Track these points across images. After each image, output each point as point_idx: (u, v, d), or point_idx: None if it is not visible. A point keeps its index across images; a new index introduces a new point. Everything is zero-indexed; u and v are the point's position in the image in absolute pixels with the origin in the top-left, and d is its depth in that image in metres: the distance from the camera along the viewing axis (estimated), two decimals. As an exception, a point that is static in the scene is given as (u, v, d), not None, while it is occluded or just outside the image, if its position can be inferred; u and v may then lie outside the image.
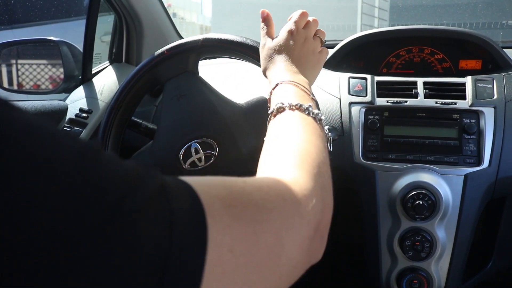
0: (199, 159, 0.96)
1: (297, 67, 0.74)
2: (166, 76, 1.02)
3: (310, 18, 0.85)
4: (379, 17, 6.59)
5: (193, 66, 1.02)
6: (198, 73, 1.02)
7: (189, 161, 0.96)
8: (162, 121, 1.01)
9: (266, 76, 0.78)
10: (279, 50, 0.77)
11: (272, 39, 0.81)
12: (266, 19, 0.84)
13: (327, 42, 1.49)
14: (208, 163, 0.95)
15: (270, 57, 0.78)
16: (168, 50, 1.01)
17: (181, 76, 1.01)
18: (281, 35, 0.80)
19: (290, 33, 0.80)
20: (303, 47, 0.79)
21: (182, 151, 0.97)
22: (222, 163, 0.94)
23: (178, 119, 0.99)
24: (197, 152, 0.96)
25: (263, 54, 0.81)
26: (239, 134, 0.94)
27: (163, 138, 1.00)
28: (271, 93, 0.68)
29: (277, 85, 0.67)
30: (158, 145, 1.01)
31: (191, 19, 11.16)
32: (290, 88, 0.65)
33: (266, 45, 0.81)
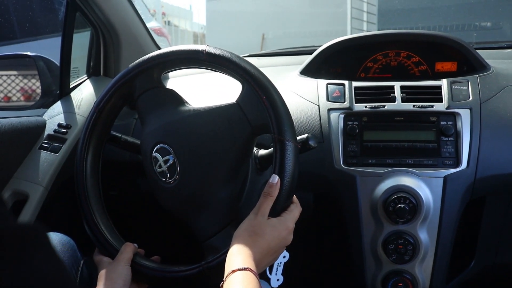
0: (160, 166, 0.95)
1: (265, 255, 0.79)
2: (138, 91, 1.02)
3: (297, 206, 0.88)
4: (367, 21, 6.67)
5: (158, 80, 1.01)
6: (164, 86, 1.02)
7: (158, 170, 0.96)
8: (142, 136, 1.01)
9: (233, 240, 0.80)
10: (263, 233, 0.80)
11: (267, 214, 0.82)
12: (274, 188, 0.83)
13: (312, 48, 1.50)
14: (167, 165, 0.95)
15: (251, 233, 0.80)
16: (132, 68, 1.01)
17: (150, 91, 1.00)
18: (278, 224, 0.82)
19: (286, 228, 0.82)
20: (283, 242, 0.83)
21: (154, 163, 0.97)
22: (182, 165, 0.94)
23: (149, 132, 0.99)
24: (157, 160, 0.96)
25: (250, 221, 0.82)
26: (194, 137, 0.94)
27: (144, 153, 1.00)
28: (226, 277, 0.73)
29: (241, 269, 0.72)
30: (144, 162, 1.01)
31: (185, 26, 11.30)
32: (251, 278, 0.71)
33: (258, 217, 0.81)
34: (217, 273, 0.84)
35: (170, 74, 1.05)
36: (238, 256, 0.75)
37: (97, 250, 1.00)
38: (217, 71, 0.94)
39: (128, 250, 0.95)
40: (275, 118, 0.83)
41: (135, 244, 0.99)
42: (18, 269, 0.33)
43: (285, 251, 0.90)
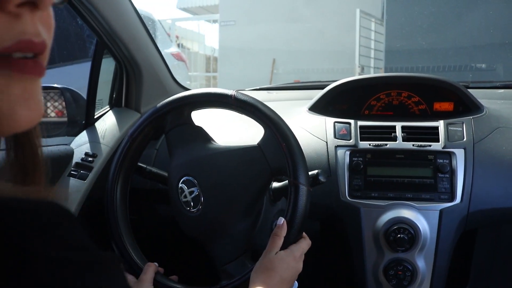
0: (185, 196, 1.06)
1: (281, 286, 0.89)
2: (169, 125, 1.13)
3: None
4: (375, 57, 6.87)
5: (188, 117, 1.13)
6: (193, 123, 1.13)
7: (183, 200, 1.07)
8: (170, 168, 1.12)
9: (251, 279, 0.90)
10: (274, 267, 0.90)
11: (278, 251, 0.93)
12: (281, 228, 0.94)
13: (319, 83, 1.61)
14: (192, 196, 1.05)
15: (264, 269, 0.90)
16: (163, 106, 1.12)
17: (180, 127, 1.12)
18: (285, 256, 0.92)
19: (293, 258, 0.93)
20: (293, 271, 0.93)
21: (179, 193, 1.07)
22: (205, 197, 1.04)
23: (177, 164, 1.10)
24: (183, 190, 1.06)
25: (261, 259, 0.92)
26: (218, 173, 1.05)
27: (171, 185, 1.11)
28: None
29: None
30: (170, 191, 1.11)
31: (198, 49, 11.51)
32: None
33: (268, 255, 0.92)
34: None
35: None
36: None
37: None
38: (242, 114, 1.06)
39: (151, 270, 1.05)
40: (292, 164, 0.95)
41: (156, 264, 1.08)
42: None
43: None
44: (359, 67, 6.48)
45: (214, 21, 9.35)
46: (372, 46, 6.89)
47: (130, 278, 1.05)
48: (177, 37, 10.11)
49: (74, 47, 3.47)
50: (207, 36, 12.03)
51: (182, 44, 10.47)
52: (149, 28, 1.63)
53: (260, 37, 7.55)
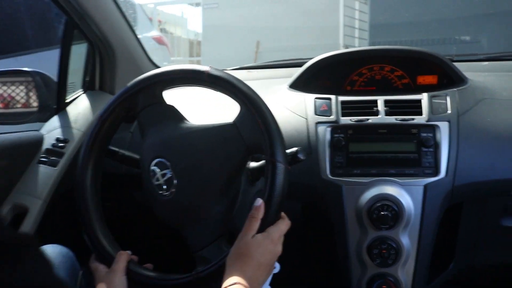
0: (157, 179, 1.01)
1: (256, 271, 0.85)
2: (140, 105, 1.07)
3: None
4: (359, 34, 6.82)
5: (160, 96, 1.07)
6: (165, 102, 1.08)
7: (156, 183, 1.01)
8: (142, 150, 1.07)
9: (226, 264, 0.86)
10: (250, 252, 0.85)
11: (254, 234, 0.88)
12: (258, 210, 0.89)
13: (300, 61, 1.56)
14: (165, 178, 1.00)
15: (239, 254, 0.86)
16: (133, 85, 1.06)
17: (152, 106, 1.06)
18: (262, 239, 0.87)
19: (271, 241, 0.88)
20: (271, 255, 0.88)
21: (152, 176, 1.02)
22: (178, 179, 0.99)
23: (149, 145, 1.05)
24: (155, 173, 1.01)
25: (236, 244, 0.88)
26: (191, 153, 1.00)
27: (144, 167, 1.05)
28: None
29: (230, 285, 0.80)
30: (142, 174, 1.06)
31: (180, 33, 11.36)
32: None
33: (244, 238, 0.87)
34: (207, 283, 0.91)
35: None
36: (230, 275, 0.82)
37: (93, 257, 1.04)
38: (217, 91, 1.00)
39: (122, 259, 0.99)
40: (268, 141, 0.90)
41: (129, 252, 1.03)
42: (11, 275, 0.36)
43: (276, 262, 0.96)
44: (343, 47, 6.42)
45: (197, 4, 9.22)
46: (356, 25, 6.84)
47: (101, 268, 1.00)
48: (159, 21, 9.96)
49: (51, 32, 3.37)
50: (190, 20, 11.88)
51: (165, 29, 10.33)
52: (129, 12, 1.57)
53: (243, 18, 7.45)
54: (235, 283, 0.79)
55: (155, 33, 5.30)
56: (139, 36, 1.67)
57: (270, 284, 1.03)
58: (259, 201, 0.89)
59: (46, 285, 0.37)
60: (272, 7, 7.26)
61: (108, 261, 1.01)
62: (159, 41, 5.08)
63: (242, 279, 0.80)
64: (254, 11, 7.36)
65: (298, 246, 1.36)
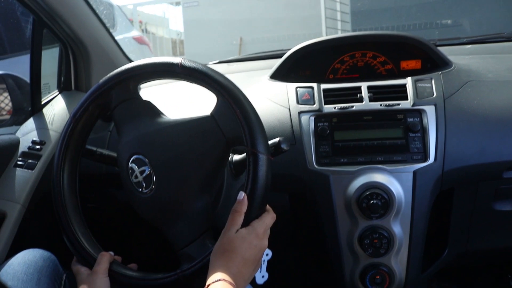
0: (136, 176, 0.97)
1: (242, 267, 0.81)
2: (115, 102, 1.03)
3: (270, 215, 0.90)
4: (341, 20, 6.78)
5: (134, 91, 1.03)
6: (140, 97, 1.03)
7: (134, 181, 0.97)
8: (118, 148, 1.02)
9: (210, 261, 0.82)
10: (234, 248, 0.81)
11: (238, 228, 0.84)
12: (241, 204, 0.85)
13: (281, 51, 1.53)
14: (143, 176, 0.96)
15: (223, 251, 0.82)
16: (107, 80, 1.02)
17: (126, 102, 1.02)
18: (246, 234, 0.83)
19: (256, 236, 0.84)
20: (256, 250, 0.84)
21: (130, 174, 0.98)
22: (157, 176, 0.95)
23: (125, 142, 1.00)
24: (133, 170, 0.97)
25: (220, 240, 0.84)
26: (169, 149, 0.95)
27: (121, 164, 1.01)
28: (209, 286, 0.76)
29: (215, 281, 0.76)
30: (120, 172, 1.02)
31: (162, 33, 11.27)
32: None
33: (227, 234, 0.83)
34: (193, 281, 0.87)
35: (147, 83, 1.07)
36: (214, 272, 0.78)
37: (75, 259, 1.01)
38: (192, 83, 0.96)
39: (104, 260, 0.96)
40: (248, 131, 0.86)
41: (111, 252, 1.00)
42: None
43: (267, 249, 0.92)
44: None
45: (177, 4, 9.13)
46: (338, 9, 6.82)
47: (83, 270, 0.96)
48: (140, 22, 9.87)
49: (27, 36, 3.30)
50: (171, 20, 11.78)
51: (146, 29, 10.24)
52: (107, 15, 1.52)
53: (224, 14, 7.40)
54: (219, 280, 0.76)
55: (135, 33, 5.21)
56: (119, 37, 1.62)
57: (267, 271, 1.00)
58: (242, 195, 0.85)
59: None
60: (253, 3, 7.22)
61: (90, 263, 0.97)
62: (140, 41, 5.00)
63: (226, 276, 0.77)
64: (235, 7, 7.31)
65: (288, 239, 1.33)
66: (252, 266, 0.83)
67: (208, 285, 0.76)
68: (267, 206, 0.90)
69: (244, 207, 0.84)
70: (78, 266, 0.98)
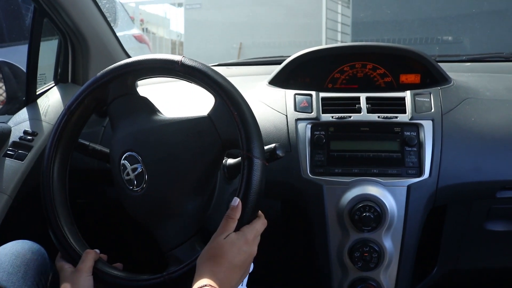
0: (128, 173, 0.95)
1: (230, 273, 0.80)
2: (111, 96, 1.01)
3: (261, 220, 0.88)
4: (342, 32, 6.82)
5: (131, 87, 1.01)
6: (137, 93, 1.02)
7: (126, 178, 0.96)
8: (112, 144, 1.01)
9: (197, 265, 0.81)
10: (223, 253, 0.80)
11: (228, 234, 0.82)
12: (235, 210, 0.83)
13: (281, 58, 1.52)
14: (135, 173, 0.94)
15: (211, 255, 0.81)
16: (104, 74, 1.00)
17: (123, 97, 1.00)
18: (236, 240, 0.82)
19: (246, 241, 0.83)
20: (246, 256, 0.83)
21: (122, 171, 0.97)
22: (149, 174, 0.94)
23: (119, 138, 0.99)
24: (125, 167, 0.95)
25: (209, 244, 0.83)
26: (163, 147, 0.94)
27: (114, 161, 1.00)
28: None
29: (204, 286, 0.75)
30: (112, 168, 1.00)
31: (163, 34, 11.24)
32: None
33: (217, 238, 0.82)
34: (179, 284, 0.85)
35: (145, 81, 1.05)
36: (201, 277, 0.77)
37: (59, 255, 0.99)
38: (191, 82, 0.95)
39: (89, 258, 0.94)
40: (244, 135, 0.84)
41: (97, 250, 0.98)
42: None
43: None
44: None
45: (179, 5, 9.13)
46: (339, 20, 6.85)
47: (67, 267, 0.94)
48: (141, 21, 9.86)
49: (27, 25, 3.27)
50: (172, 20, 11.77)
51: (147, 29, 10.22)
52: (109, 10, 1.50)
53: (226, 18, 7.40)
54: (205, 286, 0.74)
55: (136, 31, 5.20)
56: (119, 34, 1.60)
57: (247, 285, 0.98)
58: (236, 201, 0.83)
59: None
60: (255, 8, 7.23)
61: (74, 259, 0.95)
62: (139, 39, 4.99)
63: (212, 281, 0.75)
64: (237, 11, 7.32)
65: (277, 246, 1.31)
66: (240, 272, 0.82)
67: None
68: (259, 212, 0.89)
69: (238, 214, 0.83)
70: (62, 263, 0.96)
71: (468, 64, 1.61)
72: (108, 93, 1.01)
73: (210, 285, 0.74)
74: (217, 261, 0.79)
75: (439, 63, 1.33)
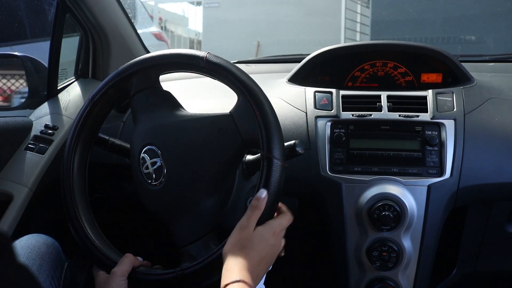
0: (147, 167, 0.95)
1: (258, 266, 0.79)
2: (134, 89, 1.01)
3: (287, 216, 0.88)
4: (361, 32, 6.79)
5: (155, 81, 1.01)
6: (160, 87, 1.02)
7: (145, 172, 0.96)
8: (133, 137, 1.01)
9: (224, 256, 0.80)
10: (252, 245, 0.79)
11: (254, 227, 0.82)
12: (262, 200, 0.82)
13: (300, 56, 1.51)
14: (154, 167, 0.94)
15: (240, 247, 0.79)
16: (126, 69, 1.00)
17: (146, 91, 1.00)
18: (264, 232, 0.82)
19: (273, 234, 0.82)
20: (273, 249, 0.83)
21: (141, 164, 0.97)
22: (168, 169, 0.94)
23: (140, 132, 0.99)
24: (144, 161, 0.95)
25: (237, 235, 0.81)
26: (183, 143, 0.94)
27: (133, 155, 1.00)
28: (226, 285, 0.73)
29: (234, 282, 0.73)
30: (131, 162, 1.00)
31: (181, 32, 11.32)
32: None
33: (246, 230, 0.81)
34: (191, 281, 0.85)
35: (168, 75, 1.06)
36: (232, 270, 0.75)
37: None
38: (215, 79, 0.95)
39: (125, 262, 0.92)
40: (265, 135, 0.84)
41: (140, 258, 0.96)
42: None
43: None
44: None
45: (198, 3, 9.16)
46: (358, 19, 6.81)
47: (101, 272, 0.93)
48: (160, 19, 9.91)
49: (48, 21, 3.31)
50: (191, 19, 11.84)
51: (165, 27, 10.28)
52: (129, 7, 1.51)
53: (245, 18, 7.41)
54: (238, 281, 0.73)
55: (154, 29, 5.24)
56: (138, 31, 1.61)
57: (265, 283, 0.98)
58: (264, 193, 0.82)
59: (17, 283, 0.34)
60: (274, 7, 7.23)
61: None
62: (158, 37, 5.02)
63: (245, 276, 0.74)
64: (255, 9, 7.32)
65: (294, 242, 1.31)
66: (266, 265, 0.82)
67: (227, 285, 0.73)
68: (285, 207, 0.88)
69: (264, 205, 0.82)
70: (97, 269, 0.95)
71: (491, 64, 1.59)
72: (132, 85, 1.01)
73: (243, 280, 0.73)
74: (248, 253, 0.78)
75: (461, 63, 1.31)
